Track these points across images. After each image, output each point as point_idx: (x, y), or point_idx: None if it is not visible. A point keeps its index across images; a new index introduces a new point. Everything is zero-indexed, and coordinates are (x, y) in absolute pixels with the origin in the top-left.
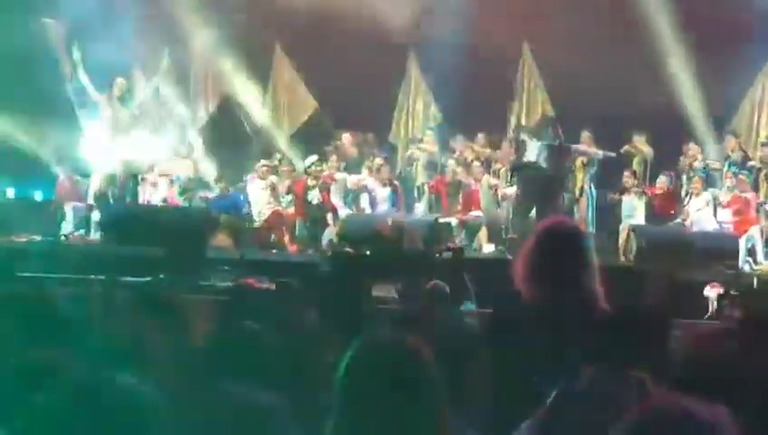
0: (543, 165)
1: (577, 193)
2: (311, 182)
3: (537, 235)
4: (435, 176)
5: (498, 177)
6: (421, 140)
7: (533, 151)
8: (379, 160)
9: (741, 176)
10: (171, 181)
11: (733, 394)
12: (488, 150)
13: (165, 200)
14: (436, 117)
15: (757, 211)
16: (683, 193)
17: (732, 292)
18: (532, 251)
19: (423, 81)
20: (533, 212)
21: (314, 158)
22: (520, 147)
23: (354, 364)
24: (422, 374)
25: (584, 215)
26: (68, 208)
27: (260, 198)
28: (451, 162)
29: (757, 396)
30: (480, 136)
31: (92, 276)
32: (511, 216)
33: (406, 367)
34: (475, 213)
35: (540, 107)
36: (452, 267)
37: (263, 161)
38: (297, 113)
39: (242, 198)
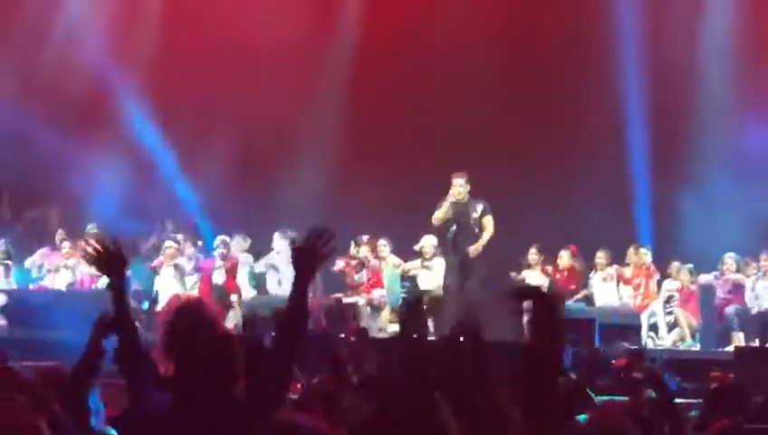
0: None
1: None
2: (218, 263)
3: (166, 312)
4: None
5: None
6: None
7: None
8: (286, 241)
9: (642, 248)
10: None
11: None
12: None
13: (71, 284)
14: None
15: (658, 286)
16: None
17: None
18: (162, 327)
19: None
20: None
21: (221, 239)
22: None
23: None
24: None
25: None
26: None
27: (167, 281)
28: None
29: None
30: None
31: None
32: None
33: None
34: (378, 292)
35: None
36: (355, 348)
37: (168, 243)
38: None
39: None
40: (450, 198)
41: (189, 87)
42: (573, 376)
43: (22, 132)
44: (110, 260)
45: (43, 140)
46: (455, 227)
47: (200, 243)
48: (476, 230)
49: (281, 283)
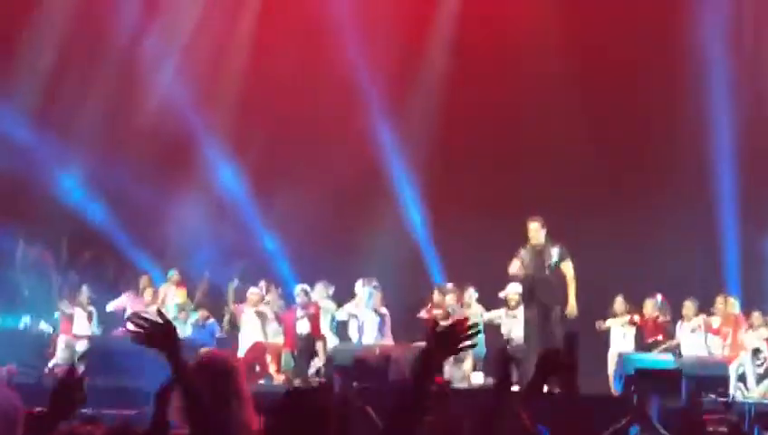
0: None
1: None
2: (299, 313)
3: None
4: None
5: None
6: None
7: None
8: (368, 289)
9: (730, 298)
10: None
11: None
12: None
13: None
14: None
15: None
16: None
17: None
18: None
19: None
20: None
21: (301, 287)
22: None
23: None
24: None
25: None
26: (60, 341)
27: (251, 328)
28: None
29: None
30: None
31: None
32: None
33: None
34: None
35: None
36: (437, 401)
37: (252, 289)
38: None
39: (217, 328)
40: (527, 245)
41: (272, 130)
42: (662, 430)
43: (105, 179)
44: (160, 336)
45: (126, 186)
46: (531, 276)
47: (280, 290)
48: (554, 276)
49: (361, 330)
